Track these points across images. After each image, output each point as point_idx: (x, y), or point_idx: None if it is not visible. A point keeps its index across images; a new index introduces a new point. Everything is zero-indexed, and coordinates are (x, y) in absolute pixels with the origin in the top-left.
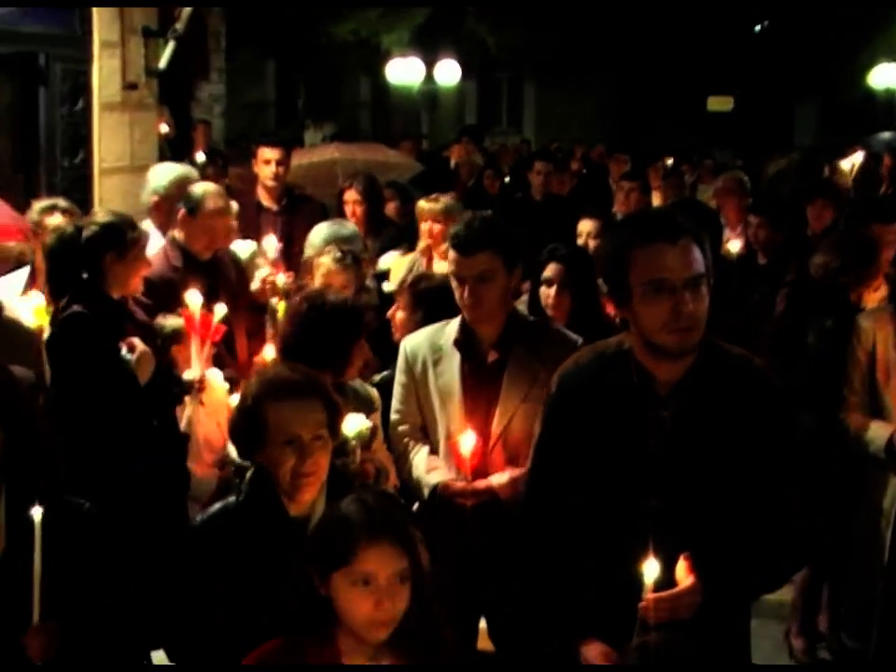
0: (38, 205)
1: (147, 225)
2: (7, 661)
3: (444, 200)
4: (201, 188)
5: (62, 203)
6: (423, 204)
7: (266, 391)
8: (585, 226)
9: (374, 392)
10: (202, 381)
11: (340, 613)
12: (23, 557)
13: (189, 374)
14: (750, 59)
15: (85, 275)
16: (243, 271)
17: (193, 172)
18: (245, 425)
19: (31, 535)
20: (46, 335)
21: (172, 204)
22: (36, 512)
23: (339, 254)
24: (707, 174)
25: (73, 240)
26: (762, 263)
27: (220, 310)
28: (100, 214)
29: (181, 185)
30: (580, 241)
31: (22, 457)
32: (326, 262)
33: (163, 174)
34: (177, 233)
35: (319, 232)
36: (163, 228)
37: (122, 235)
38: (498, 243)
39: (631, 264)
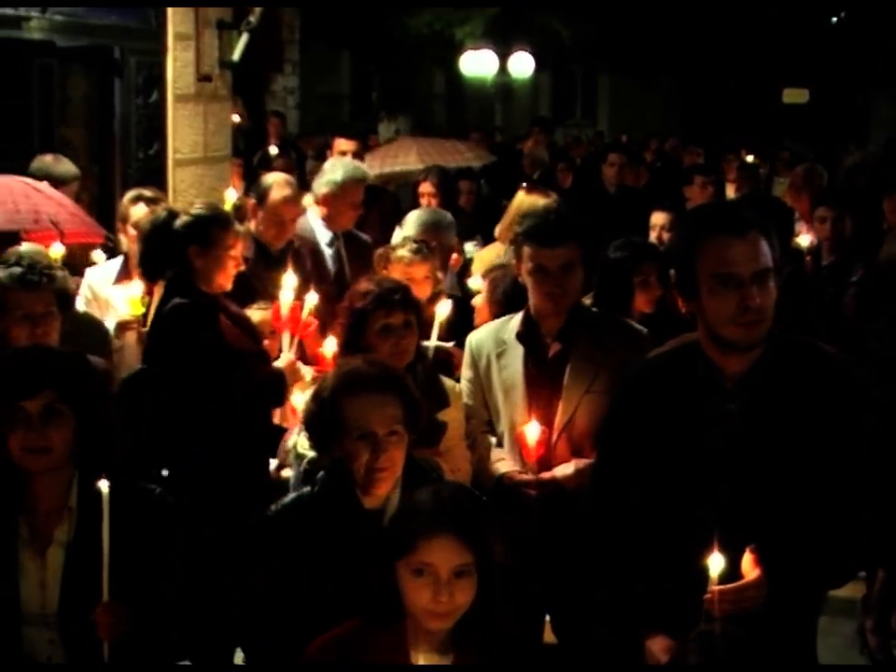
0: (126, 196)
1: (312, 215)
2: (78, 638)
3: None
4: (269, 177)
5: (147, 192)
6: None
7: (343, 385)
8: (658, 219)
9: (456, 388)
10: (294, 373)
11: (405, 602)
12: (95, 539)
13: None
14: (826, 50)
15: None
16: (322, 262)
17: (368, 171)
18: (321, 418)
19: (101, 515)
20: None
21: (341, 199)
22: (104, 495)
23: (415, 245)
24: (783, 166)
25: (165, 227)
26: (826, 263)
27: (311, 300)
28: (196, 206)
29: (356, 181)
30: (652, 234)
31: (94, 443)
32: (405, 254)
33: (338, 167)
34: (252, 224)
35: (419, 218)
36: (328, 221)
37: (206, 230)
38: (578, 233)
39: (698, 257)
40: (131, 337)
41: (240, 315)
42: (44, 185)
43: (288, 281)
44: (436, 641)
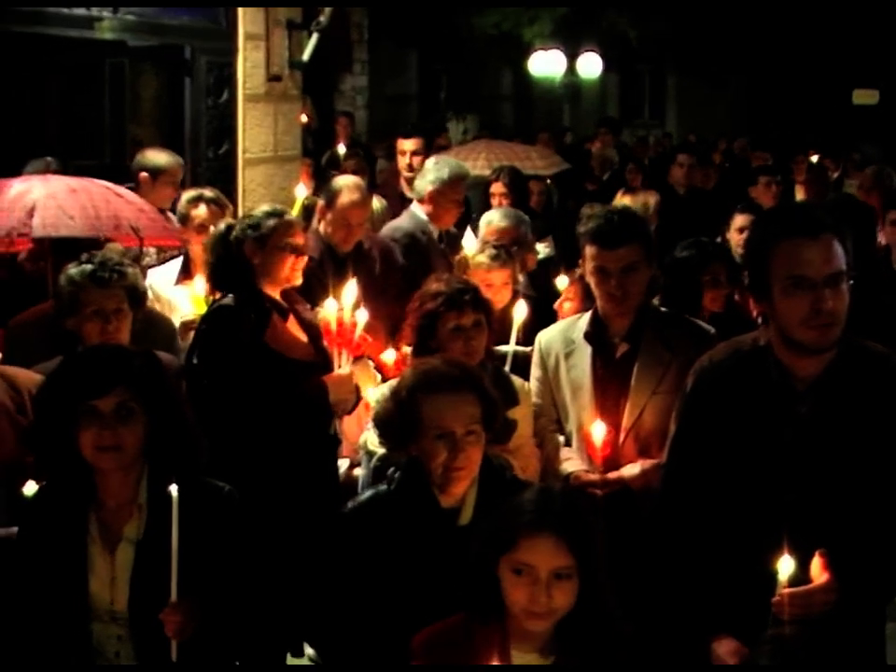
0: (185, 196)
1: (416, 212)
2: (146, 634)
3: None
4: (340, 180)
5: (207, 193)
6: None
7: (421, 384)
8: (740, 221)
9: (525, 386)
10: (340, 385)
11: (505, 598)
12: (164, 537)
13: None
14: None
15: (236, 268)
16: (394, 264)
17: (469, 170)
18: (398, 416)
19: (170, 514)
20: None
21: (447, 196)
22: (173, 492)
23: (494, 251)
24: (853, 168)
25: (226, 233)
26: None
27: (361, 318)
28: (260, 207)
29: (461, 178)
30: (738, 236)
31: (165, 440)
32: (484, 260)
33: (443, 165)
34: (320, 226)
35: (503, 215)
36: (433, 219)
37: (260, 225)
38: (641, 235)
39: (772, 259)
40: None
41: (309, 321)
42: (123, 189)
43: (349, 290)
44: (537, 641)
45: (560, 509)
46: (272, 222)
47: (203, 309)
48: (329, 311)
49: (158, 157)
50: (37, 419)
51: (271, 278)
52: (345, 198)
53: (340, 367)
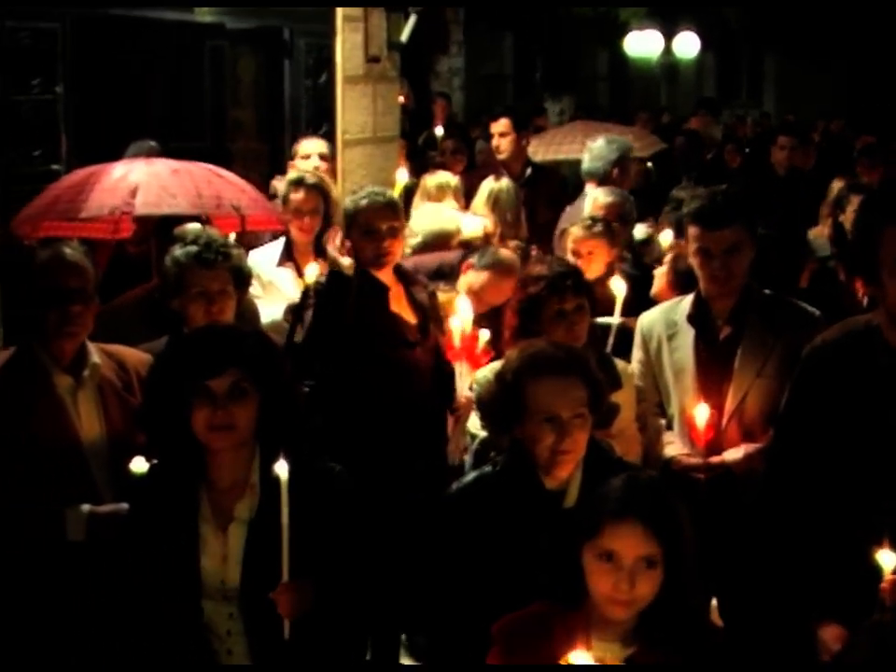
0: (287, 178)
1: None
2: (258, 613)
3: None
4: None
5: (308, 178)
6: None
7: (527, 367)
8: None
9: (628, 369)
10: (467, 407)
11: (588, 586)
12: (276, 516)
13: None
14: None
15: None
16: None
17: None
18: (503, 400)
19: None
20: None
21: (625, 176)
22: (284, 472)
23: (589, 221)
24: None
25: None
26: None
27: (484, 335)
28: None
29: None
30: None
31: (277, 420)
32: (574, 231)
33: (613, 144)
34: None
35: (608, 191)
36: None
37: (355, 212)
38: (745, 215)
39: (881, 240)
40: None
41: (419, 302)
42: (225, 171)
43: (462, 307)
44: (619, 631)
45: (647, 496)
46: (364, 202)
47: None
48: (453, 325)
49: (307, 145)
50: (149, 398)
51: (366, 260)
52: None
53: (461, 377)
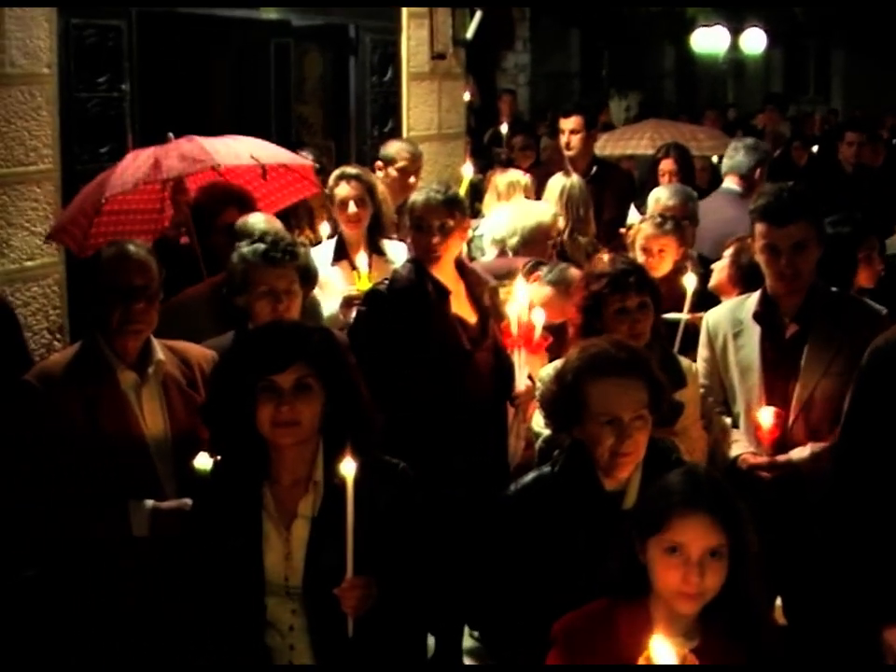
0: (333, 174)
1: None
2: (321, 610)
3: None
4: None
5: (349, 170)
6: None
7: (587, 367)
8: None
9: (693, 367)
10: (527, 395)
11: (653, 581)
12: (339, 513)
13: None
14: None
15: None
16: None
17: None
18: (563, 400)
19: (346, 490)
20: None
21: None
22: (349, 469)
23: (659, 219)
24: None
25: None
26: None
27: (538, 319)
28: (433, 187)
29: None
30: None
31: (342, 417)
32: (644, 228)
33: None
34: None
35: (672, 192)
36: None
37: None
38: (811, 212)
39: None
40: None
41: (478, 298)
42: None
43: (519, 294)
44: (682, 625)
45: (711, 487)
46: (420, 198)
47: (366, 285)
48: (510, 312)
49: (390, 147)
50: (214, 394)
51: (442, 260)
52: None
53: (520, 367)
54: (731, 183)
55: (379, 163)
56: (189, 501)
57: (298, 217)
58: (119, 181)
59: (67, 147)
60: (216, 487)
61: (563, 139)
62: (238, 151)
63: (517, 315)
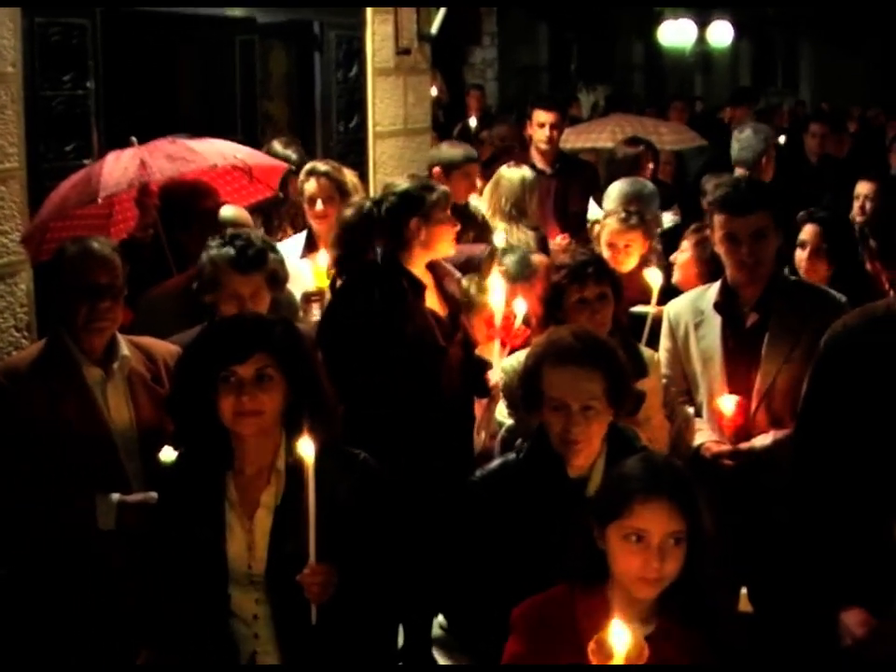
0: (304, 169)
1: None
2: (285, 598)
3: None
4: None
5: (319, 166)
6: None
7: (546, 354)
8: (863, 188)
9: (654, 357)
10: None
11: (612, 567)
12: (301, 503)
13: (491, 376)
14: None
15: (381, 247)
16: None
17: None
18: (525, 383)
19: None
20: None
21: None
22: (307, 448)
23: (623, 214)
24: None
25: (371, 213)
26: None
27: (520, 309)
28: (398, 182)
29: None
30: (856, 203)
31: (303, 407)
32: (610, 223)
33: (760, 133)
34: None
35: (620, 188)
36: None
37: (422, 199)
38: (769, 201)
39: None
40: (315, 309)
41: (451, 294)
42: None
43: (496, 285)
44: (639, 610)
45: (670, 473)
46: (433, 196)
47: (325, 282)
48: (494, 304)
49: (450, 151)
50: (178, 386)
51: (433, 251)
52: None
53: (497, 359)
54: (739, 174)
55: (437, 169)
56: (155, 494)
57: (280, 215)
58: (112, 181)
59: (33, 146)
60: (180, 479)
61: (543, 132)
62: (222, 151)
63: (497, 306)
